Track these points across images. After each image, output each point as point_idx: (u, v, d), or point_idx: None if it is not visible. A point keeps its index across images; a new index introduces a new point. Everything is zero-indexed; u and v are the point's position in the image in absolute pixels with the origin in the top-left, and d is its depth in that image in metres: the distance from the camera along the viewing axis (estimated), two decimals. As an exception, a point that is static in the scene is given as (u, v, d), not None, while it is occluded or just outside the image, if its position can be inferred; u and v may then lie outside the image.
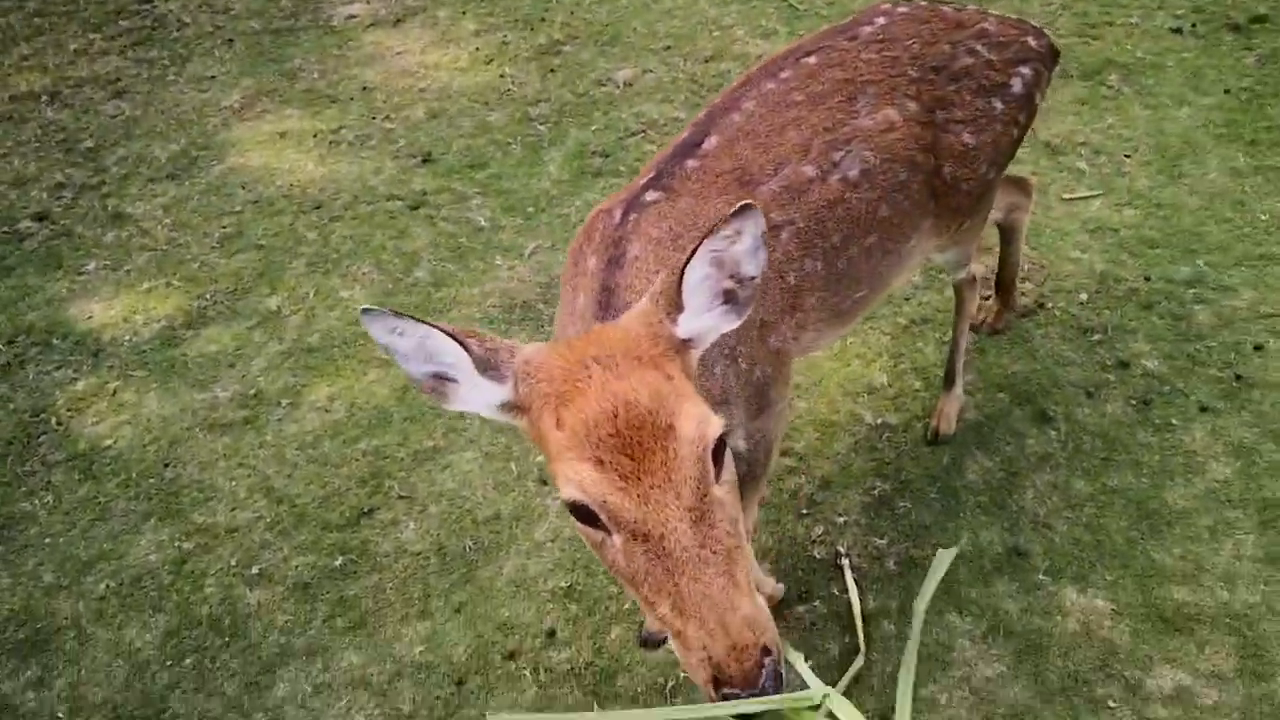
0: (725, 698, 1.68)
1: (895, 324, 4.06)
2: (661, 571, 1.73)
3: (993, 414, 3.68)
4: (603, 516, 1.75)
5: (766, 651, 1.70)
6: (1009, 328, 3.95)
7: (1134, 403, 3.64)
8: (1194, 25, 5.39)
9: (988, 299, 3.98)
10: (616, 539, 1.77)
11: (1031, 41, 3.01)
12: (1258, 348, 3.75)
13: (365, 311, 1.82)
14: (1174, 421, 3.57)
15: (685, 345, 1.94)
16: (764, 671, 1.68)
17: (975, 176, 2.90)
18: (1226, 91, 4.92)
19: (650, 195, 2.52)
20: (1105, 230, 4.33)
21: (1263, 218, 4.27)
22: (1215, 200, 4.37)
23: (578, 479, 1.75)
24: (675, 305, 1.91)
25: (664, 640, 3.06)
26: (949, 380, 3.62)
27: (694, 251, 1.84)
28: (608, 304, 2.30)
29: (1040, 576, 3.18)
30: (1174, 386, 3.68)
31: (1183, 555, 3.19)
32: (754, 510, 2.93)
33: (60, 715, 3.18)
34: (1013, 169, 3.28)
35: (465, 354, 1.86)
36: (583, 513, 1.78)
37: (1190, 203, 4.38)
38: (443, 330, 1.84)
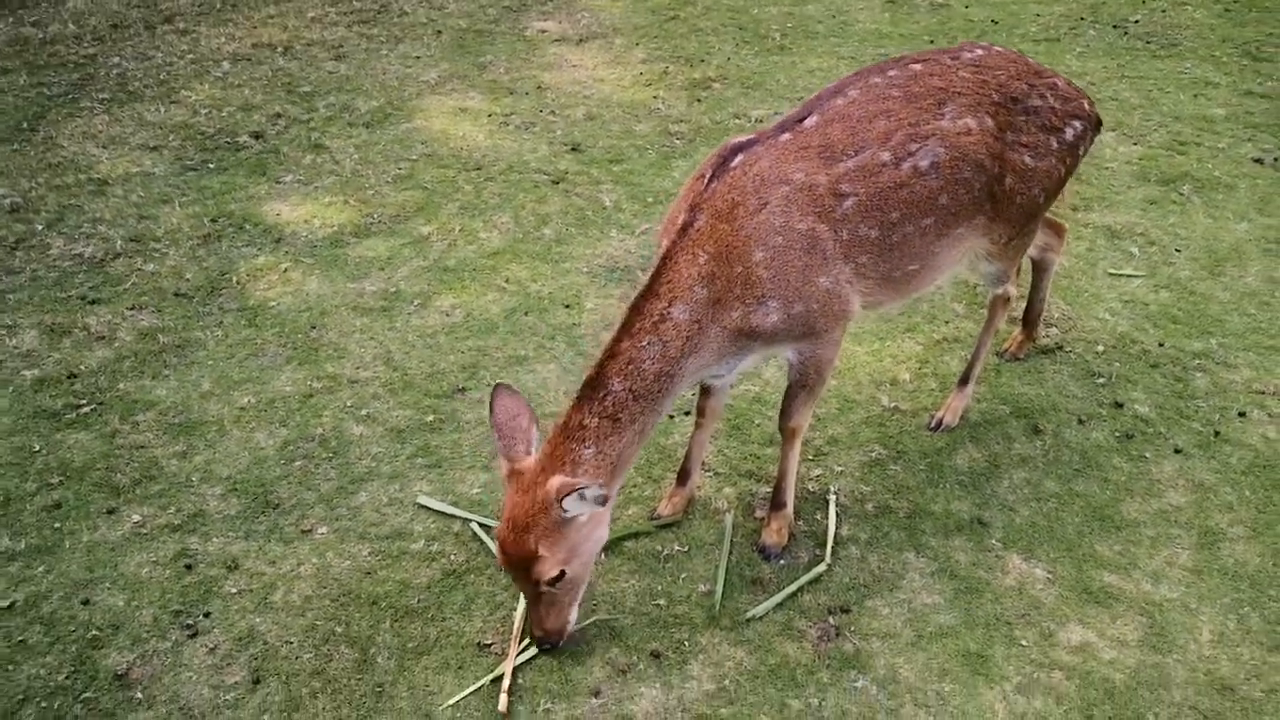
0: None
1: (930, 338, 4.69)
2: None
3: (992, 419, 4.26)
4: None
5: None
6: (1027, 357, 4.54)
7: (1118, 435, 4.17)
8: (1277, 159, 5.91)
9: (1014, 330, 4.58)
10: None
11: (1085, 105, 3.68)
12: (1241, 414, 4.23)
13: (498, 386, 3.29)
14: (1148, 455, 4.08)
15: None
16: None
17: (1028, 194, 3.51)
18: (1287, 218, 5.41)
19: (735, 160, 3.14)
20: (1137, 303, 4.88)
21: (1285, 320, 4.75)
22: (1245, 298, 4.88)
23: None
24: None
25: (672, 519, 3.76)
26: (964, 380, 4.22)
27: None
28: (653, 286, 3.04)
29: (993, 542, 3.73)
30: (1157, 429, 4.19)
31: (1121, 552, 3.69)
32: (806, 413, 3.52)
33: (194, 479, 4.02)
34: (1073, 241, 3.86)
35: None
36: None
37: (1221, 296, 4.90)
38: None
